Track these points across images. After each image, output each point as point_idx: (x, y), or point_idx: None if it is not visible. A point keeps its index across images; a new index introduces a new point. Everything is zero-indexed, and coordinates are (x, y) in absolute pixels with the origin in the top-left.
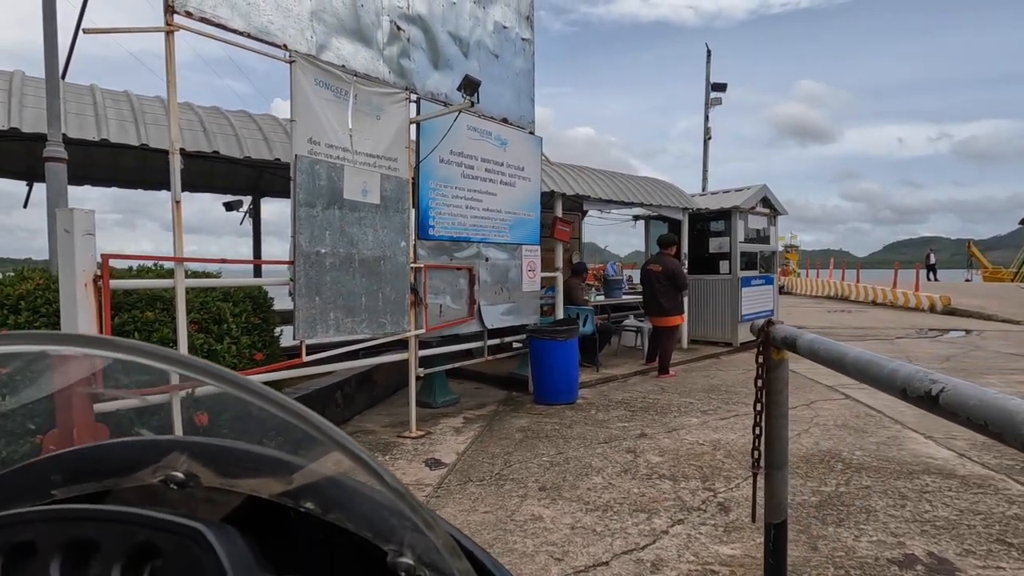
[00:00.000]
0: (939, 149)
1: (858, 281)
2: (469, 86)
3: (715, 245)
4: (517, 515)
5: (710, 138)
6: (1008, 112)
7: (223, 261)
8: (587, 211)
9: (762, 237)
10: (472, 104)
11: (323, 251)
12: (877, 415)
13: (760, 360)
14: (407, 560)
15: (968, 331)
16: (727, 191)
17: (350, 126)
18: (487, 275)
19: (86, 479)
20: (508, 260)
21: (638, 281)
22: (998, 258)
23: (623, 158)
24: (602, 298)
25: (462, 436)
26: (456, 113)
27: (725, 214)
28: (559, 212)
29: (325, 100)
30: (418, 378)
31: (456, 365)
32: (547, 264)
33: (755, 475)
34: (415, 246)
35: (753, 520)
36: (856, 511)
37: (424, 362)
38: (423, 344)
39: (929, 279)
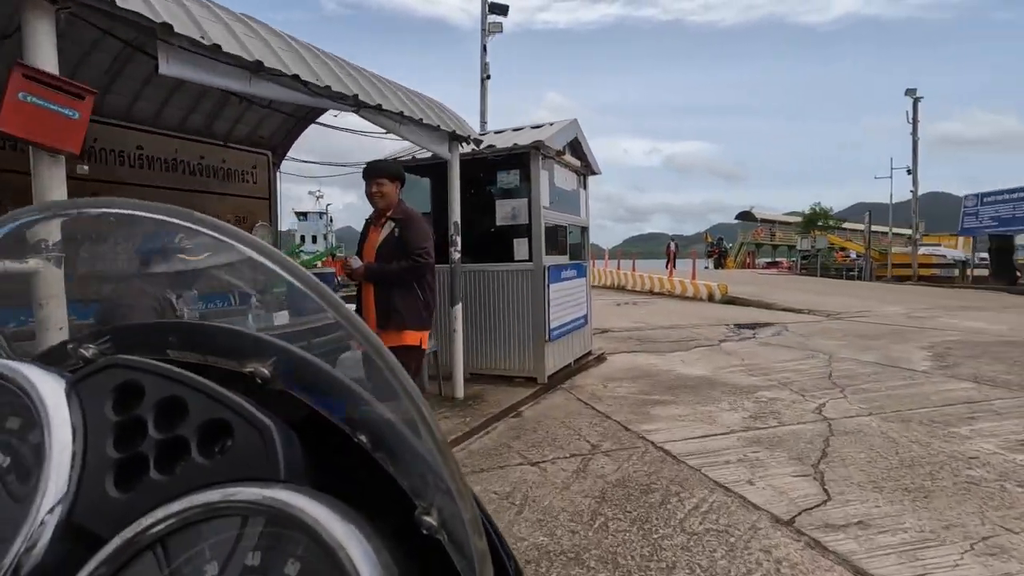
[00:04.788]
0: (652, 161)
1: (634, 270)
2: None
3: (505, 212)
4: None
5: (489, 76)
6: (702, 136)
7: None
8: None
9: (571, 203)
10: None
11: None
12: None
13: None
14: (431, 520)
15: (776, 325)
16: (518, 129)
17: None
18: None
19: (195, 349)
20: None
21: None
22: (700, 250)
23: None
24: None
25: None
26: None
27: (520, 159)
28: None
29: None
30: None
31: None
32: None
33: None
34: None
35: None
36: None
37: None
38: None
39: (667, 267)
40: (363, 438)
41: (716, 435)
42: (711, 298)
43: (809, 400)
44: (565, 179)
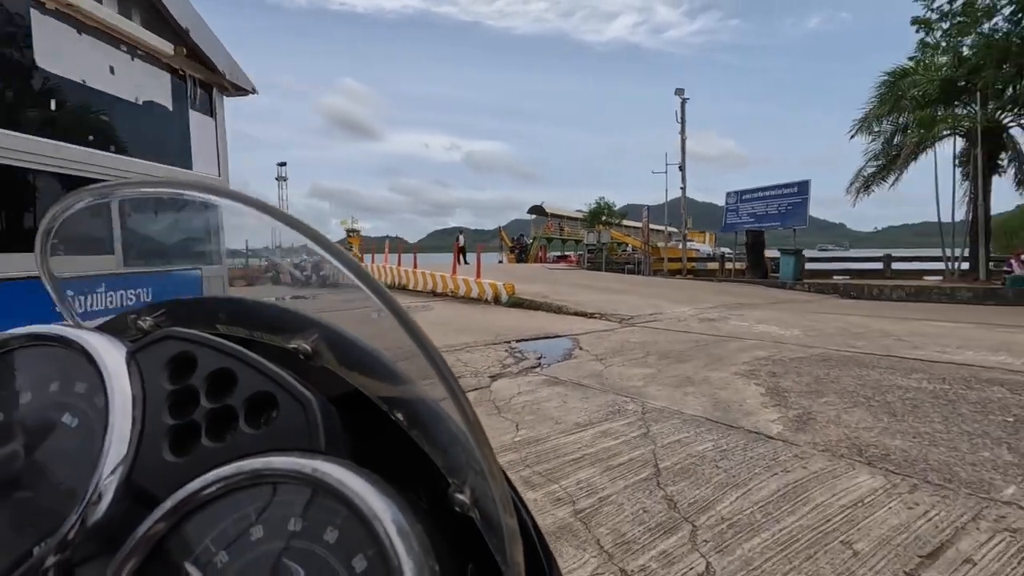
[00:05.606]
0: (453, 157)
1: (416, 267)
2: None
3: None
4: None
5: None
6: (499, 136)
7: None
8: None
9: (144, 132)
10: None
11: None
12: None
13: None
14: (464, 498)
15: (566, 340)
16: None
17: None
18: None
19: (243, 324)
20: None
21: None
22: (496, 244)
23: None
24: None
25: None
26: None
27: None
28: None
29: None
30: None
31: None
32: None
33: None
34: None
35: None
36: None
37: None
38: None
39: (459, 261)
40: (400, 416)
41: None
42: (497, 300)
43: None
44: (115, 69)
